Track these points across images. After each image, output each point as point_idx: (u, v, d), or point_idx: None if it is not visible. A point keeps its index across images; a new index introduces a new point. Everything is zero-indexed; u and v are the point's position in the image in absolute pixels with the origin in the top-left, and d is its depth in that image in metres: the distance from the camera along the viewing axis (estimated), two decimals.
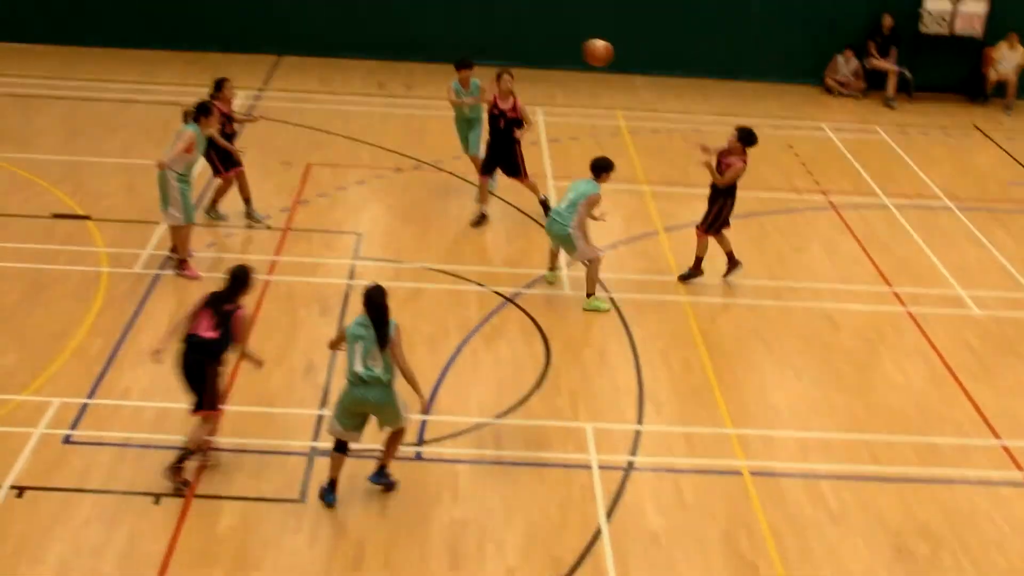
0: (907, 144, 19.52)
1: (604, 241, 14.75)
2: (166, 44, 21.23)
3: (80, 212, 14.47)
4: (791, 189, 17.17)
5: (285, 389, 11.19)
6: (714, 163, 13.64)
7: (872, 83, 21.99)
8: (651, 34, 21.71)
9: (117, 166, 15.92)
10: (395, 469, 10.02)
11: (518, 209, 15.46)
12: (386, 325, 9.34)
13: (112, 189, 15.12)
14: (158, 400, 10.84)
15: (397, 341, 9.39)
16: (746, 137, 13.55)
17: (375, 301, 9.34)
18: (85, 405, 10.69)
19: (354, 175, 16.29)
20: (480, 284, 13.44)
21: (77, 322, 12.03)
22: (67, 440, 10.21)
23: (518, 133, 14.70)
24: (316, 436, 10.50)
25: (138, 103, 18.51)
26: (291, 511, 9.53)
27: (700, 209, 13.90)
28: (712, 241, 13.78)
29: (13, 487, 9.53)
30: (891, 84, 21.71)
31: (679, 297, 13.56)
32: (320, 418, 10.74)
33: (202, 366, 9.65)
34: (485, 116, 15.15)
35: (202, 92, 16.69)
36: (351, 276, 13.44)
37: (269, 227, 14.48)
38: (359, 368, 9.32)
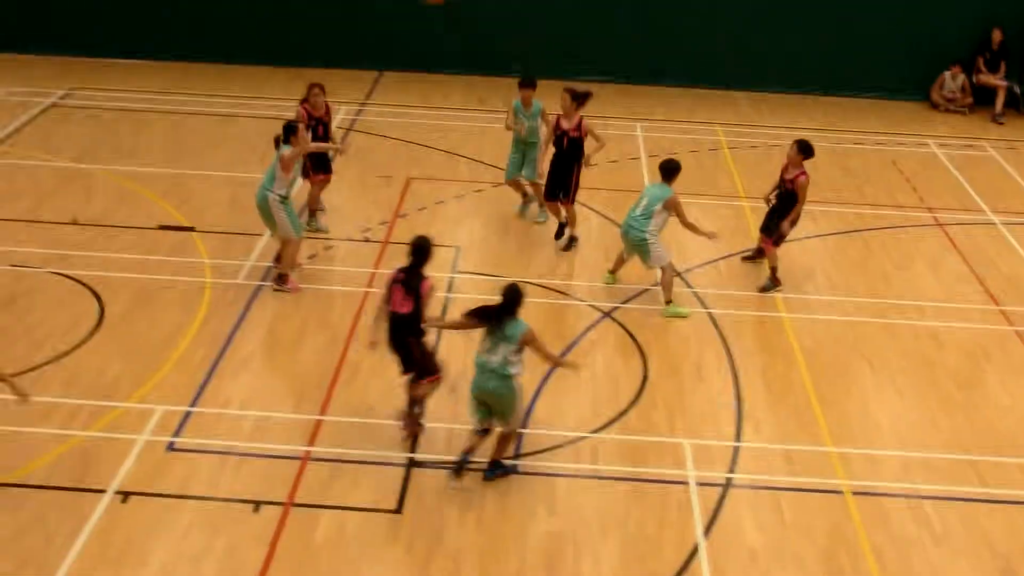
0: (1016, 160, 19.06)
1: (704, 258, 14.66)
2: (270, 60, 21.59)
3: (185, 224, 14.76)
4: (895, 206, 16.86)
5: (384, 400, 11.26)
6: (775, 183, 13.96)
7: (980, 99, 21.51)
8: (753, 50, 21.54)
9: (221, 179, 16.21)
10: (489, 482, 10.04)
11: (617, 224, 15.38)
12: (506, 322, 9.73)
13: (216, 201, 15.41)
14: (258, 409, 11.00)
15: (531, 340, 9.79)
16: (806, 149, 13.63)
17: (506, 297, 9.80)
18: (188, 413, 10.88)
19: (453, 189, 16.38)
20: (578, 299, 13.42)
21: (181, 331, 12.26)
22: (170, 447, 10.40)
23: (587, 156, 14.33)
24: (414, 448, 10.55)
25: (242, 117, 18.85)
26: (388, 522, 9.58)
27: (801, 226, 13.72)
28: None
29: (118, 492, 9.73)
30: (1000, 100, 21.21)
31: (779, 314, 13.39)
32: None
33: (405, 341, 10.28)
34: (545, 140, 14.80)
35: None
36: (449, 289, 13.50)
37: (368, 239, 14.62)
38: (480, 357, 9.85)
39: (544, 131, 14.86)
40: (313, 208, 14.72)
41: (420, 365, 10.47)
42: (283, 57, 21.61)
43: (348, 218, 15.28)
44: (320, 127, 14.28)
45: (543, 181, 14.87)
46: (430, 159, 17.53)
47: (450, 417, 11.00)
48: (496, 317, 9.79)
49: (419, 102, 20.21)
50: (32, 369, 11.37)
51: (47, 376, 11.29)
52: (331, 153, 14.62)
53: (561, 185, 14.48)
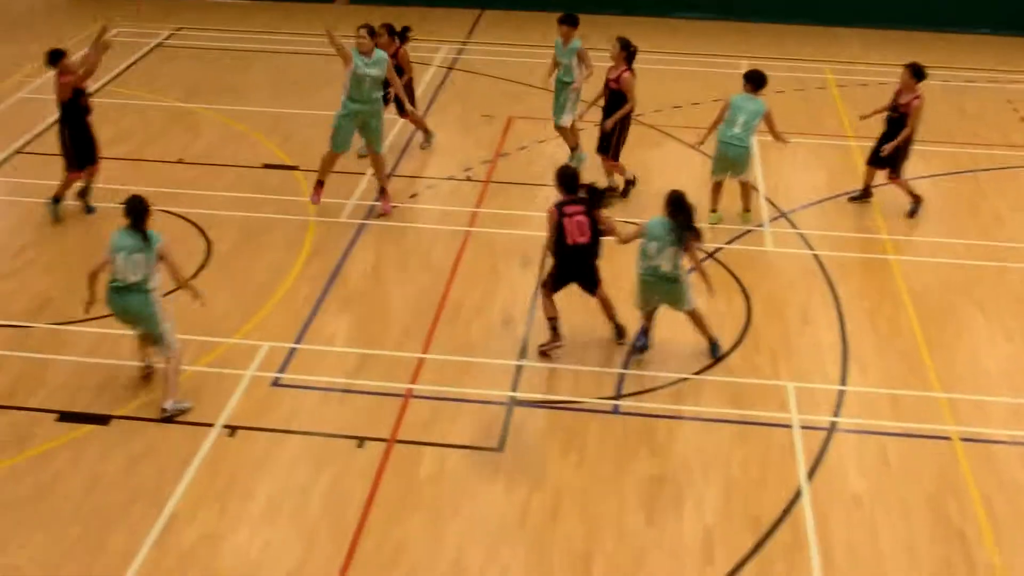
0: None
1: (811, 197, 14.40)
2: None
3: (289, 163, 14.89)
4: (1008, 146, 16.34)
5: (484, 339, 11.30)
6: (880, 107, 14.07)
7: None
8: None
9: (325, 118, 16.21)
10: (591, 422, 10.05)
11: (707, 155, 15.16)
12: (689, 227, 10.46)
13: (319, 140, 15.40)
14: (361, 346, 11.11)
15: (690, 244, 10.58)
16: (918, 72, 13.56)
17: (682, 204, 10.52)
18: (293, 349, 11.03)
19: (555, 134, 16.24)
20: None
21: (286, 269, 12.41)
22: (276, 383, 10.56)
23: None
24: (514, 387, 10.57)
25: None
26: (489, 459, 9.63)
27: (912, 166, 13.37)
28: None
29: (226, 426, 9.92)
30: None
31: (887, 256, 13.10)
32: (519, 368, 10.81)
33: (591, 265, 10.92)
34: (583, 84, 14.57)
35: (408, 44, 16.88)
36: None
37: (470, 179, 14.61)
38: (653, 263, 10.61)
39: (579, 72, 14.44)
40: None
41: (598, 279, 11.02)
42: None
43: (450, 157, 15.28)
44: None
45: (567, 124, 14.61)
46: (530, 98, 17.40)
47: (550, 357, 10.98)
48: (678, 226, 10.45)
49: (519, 40, 20.06)
50: None
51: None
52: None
53: (604, 138, 13.97)
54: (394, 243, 13.07)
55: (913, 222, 13.82)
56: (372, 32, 13.20)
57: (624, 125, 13.83)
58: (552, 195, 13.96)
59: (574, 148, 14.86)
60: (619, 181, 14.19)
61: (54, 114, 15.38)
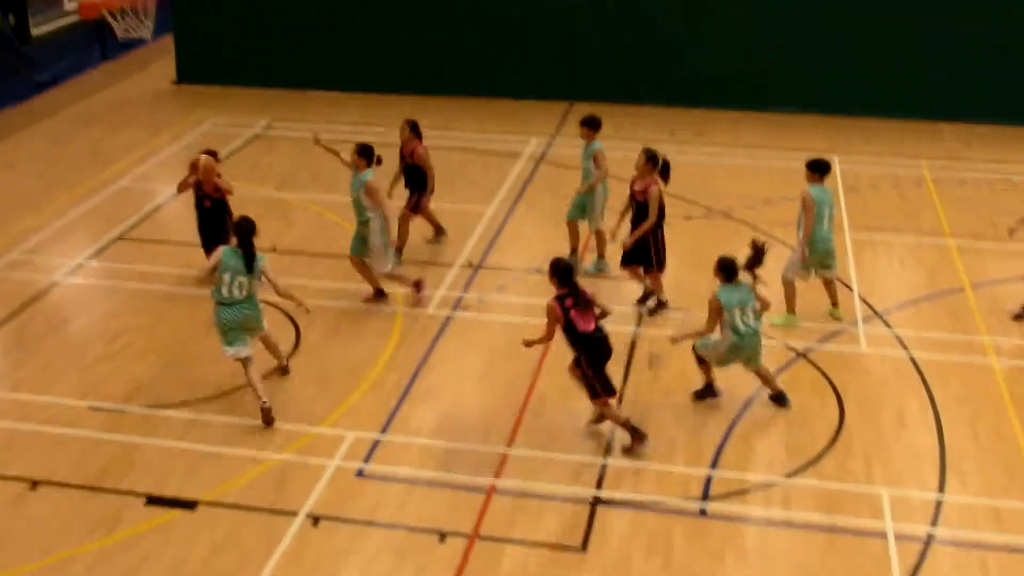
0: None
1: (907, 296, 14.11)
2: (464, 92, 21.89)
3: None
4: None
5: (569, 434, 11.16)
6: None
7: None
8: (960, 78, 20.69)
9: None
10: (677, 523, 9.85)
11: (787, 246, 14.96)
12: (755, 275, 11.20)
13: (412, 230, 15.60)
14: (446, 439, 11.05)
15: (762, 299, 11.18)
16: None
17: (732, 266, 11.23)
18: (377, 440, 11.00)
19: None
20: (770, 337, 13.05)
21: (373, 359, 12.45)
22: (360, 473, 10.52)
23: (642, 229, 13.19)
24: (599, 484, 10.40)
25: (437, 148, 19.06)
26: (572, 560, 9.45)
27: (1015, 265, 13.05)
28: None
29: (309, 516, 9.89)
30: None
31: (988, 359, 12.74)
32: (604, 467, 10.65)
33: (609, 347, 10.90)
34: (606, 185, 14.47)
35: (496, 138, 17.08)
36: (638, 324, 13.34)
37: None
38: (740, 325, 11.08)
39: (595, 175, 14.23)
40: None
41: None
42: (476, 89, 21.88)
43: (538, 249, 15.28)
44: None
45: (600, 230, 14.54)
46: (622, 191, 17.36)
47: (636, 455, 10.81)
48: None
49: (609, 133, 20.07)
50: (232, 392, 11.70)
51: (246, 399, 11.59)
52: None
53: (635, 250, 13.43)
54: (481, 335, 13.06)
55: (1015, 324, 13.45)
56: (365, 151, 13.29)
57: (656, 236, 13.45)
58: (642, 291, 13.98)
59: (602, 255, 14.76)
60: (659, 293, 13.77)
61: (154, 201, 15.80)
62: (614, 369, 12.25)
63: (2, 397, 11.68)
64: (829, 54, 20.93)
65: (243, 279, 11.04)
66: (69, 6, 17.86)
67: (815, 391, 12.03)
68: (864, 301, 14.01)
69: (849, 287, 14.28)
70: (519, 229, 15.92)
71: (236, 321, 11.12)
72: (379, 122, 20.35)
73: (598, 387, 10.76)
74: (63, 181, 17.50)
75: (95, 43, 23.79)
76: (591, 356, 10.70)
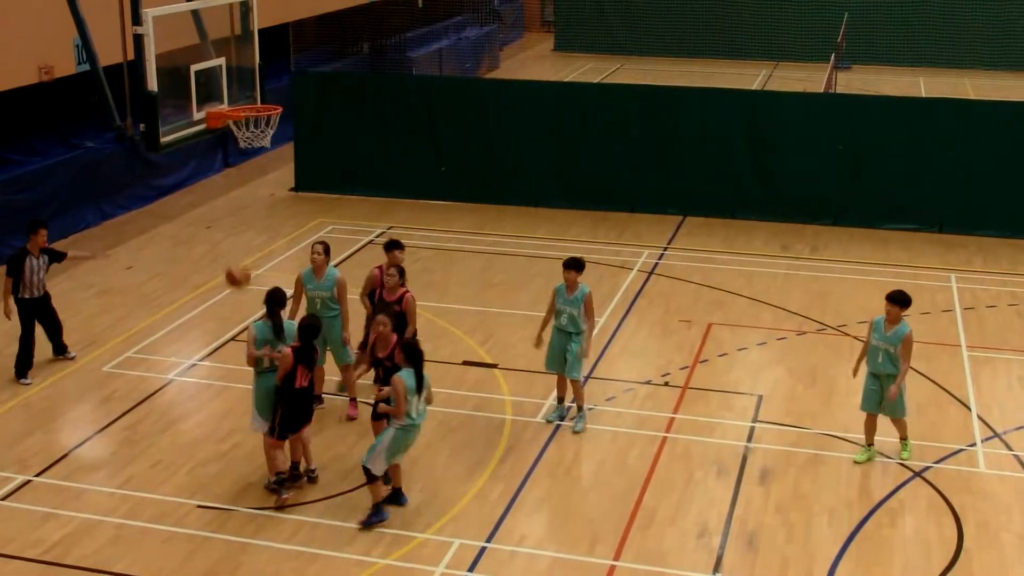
0: None
1: (1021, 419, 13.70)
2: (578, 204, 22.08)
3: (489, 360, 15.07)
4: None
5: (677, 550, 10.97)
6: None
7: None
8: None
9: (525, 318, 16.51)
10: None
11: (931, 380, 14.66)
12: None
13: (520, 339, 15.68)
14: (552, 550, 10.93)
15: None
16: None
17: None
18: (483, 548, 10.92)
19: (755, 336, 16.07)
20: (886, 456, 12.75)
21: (481, 466, 12.42)
22: None
23: None
24: None
25: (548, 258, 19.26)
26: None
27: None
28: None
29: None
30: None
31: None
32: None
33: None
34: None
35: (608, 248, 17.06)
36: (749, 439, 13.14)
37: (668, 384, 14.48)
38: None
39: (588, 323, 13.10)
40: None
41: None
42: (588, 201, 22.07)
43: (649, 361, 15.22)
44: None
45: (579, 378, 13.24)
46: (732, 304, 17.31)
47: (747, 573, 10.57)
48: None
49: (722, 247, 20.11)
50: (338, 495, 11.76)
51: (351, 503, 11.63)
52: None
53: None
54: (590, 445, 12.97)
55: None
56: (327, 250, 13.30)
57: None
58: (753, 405, 13.80)
59: (580, 408, 13.39)
60: None
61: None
62: (727, 483, 12.09)
63: (112, 492, 11.87)
64: (946, 173, 20.69)
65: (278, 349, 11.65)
66: (197, 116, 18.50)
67: (932, 512, 11.68)
68: (983, 421, 13.63)
69: (968, 407, 13.92)
70: (630, 341, 15.87)
71: (272, 390, 11.61)
72: (494, 232, 20.64)
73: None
74: (182, 283, 17.98)
75: (218, 150, 24.64)
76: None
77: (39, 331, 14.59)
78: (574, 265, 13.06)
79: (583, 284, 13.10)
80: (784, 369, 15.13)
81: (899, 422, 12.61)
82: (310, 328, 11.54)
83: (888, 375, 12.25)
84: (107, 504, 11.65)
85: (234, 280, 12.80)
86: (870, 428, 12.62)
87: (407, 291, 13.01)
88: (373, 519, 11.17)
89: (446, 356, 15.13)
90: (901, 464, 12.52)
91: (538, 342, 13.38)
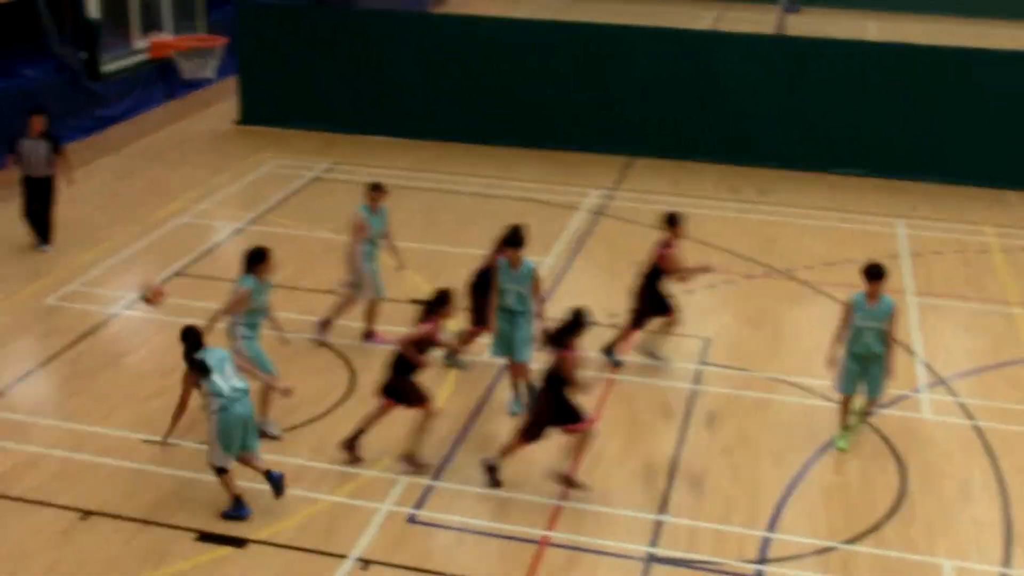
0: None
1: (970, 364, 13.85)
2: (525, 142, 21.92)
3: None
4: None
5: (623, 490, 10.99)
6: None
7: None
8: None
9: (472, 257, 16.36)
10: None
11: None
12: None
13: (466, 279, 15.53)
14: (500, 489, 10.89)
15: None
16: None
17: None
18: (431, 486, 10.88)
19: (703, 279, 16.01)
20: (832, 400, 12.83)
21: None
22: (411, 519, 10.40)
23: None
24: (654, 542, 10.21)
25: (495, 197, 19.11)
26: None
27: None
28: None
29: (360, 559, 9.78)
30: None
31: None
32: (658, 524, 10.46)
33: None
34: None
35: (556, 189, 16.94)
36: (696, 381, 13.17)
37: (615, 326, 14.44)
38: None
39: (537, 301, 12.19)
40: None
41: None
42: (536, 139, 21.91)
43: (596, 302, 15.13)
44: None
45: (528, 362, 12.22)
46: (681, 246, 17.24)
47: (692, 513, 10.63)
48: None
49: (670, 189, 20.06)
50: (289, 429, 11.65)
51: (298, 439, 11.52)
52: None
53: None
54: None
55: None
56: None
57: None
58: (699, 348, 13.84)
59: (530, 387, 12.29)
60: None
61: (213, 239, 15.83)
62: (670, 428, 12.13)
63: (56, 426, 11.70)
64: (894, 119, 20.76)
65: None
66: (139, 45, 18.06)
67: (877, 457, 11.79)
68: (928, 367, 13.77)
69: (913, 353, 14.05)
70: (577, 282, 15.81)
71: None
72: (440, 170, 20.43)
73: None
74: (124, 216, 17.64)
75: (161, 81, 24.12)
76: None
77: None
78: (511, 242, 11.96)
79: (528, 259, 12.18)
80: (731, 313, 15.17)
81: (875, 402, 12.06)
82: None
83: (876, 355, 11.58)
84: (51, 437, 11.48)
85: (148, 300, 12.14)
86: (846, 409, 11.94)
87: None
88: (233, 513, 10.32)
89: (394, 295, 14.96)
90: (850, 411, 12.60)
91: (491, 327, 12.33)
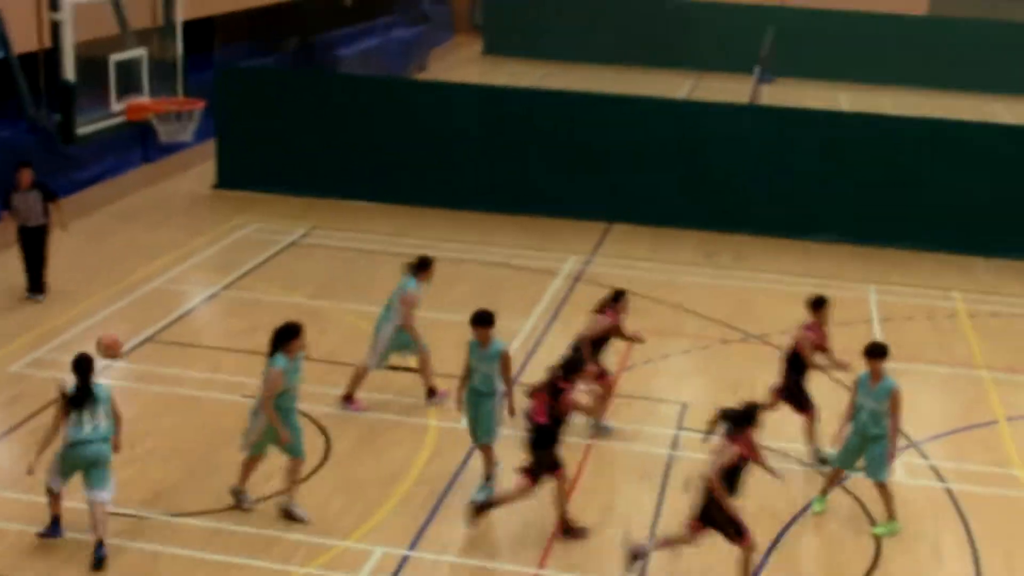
0: None
1: (941, 428, 13.91)
2: (504, 208, 22.01)
3: (413, 365, 14.91)
4: None
5: (600, 557, 10.93)
6: None
7: None
8: (995, 215, 20.69)
9: (449, 323, 16.39)
10: None
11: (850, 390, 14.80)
12: None
13: (445, 343, 15.54)
14: (476, 558, 10.84)
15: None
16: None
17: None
18: (406, 557, 10.79)
19: (679, 344, 16.13)
20: (807, 463, 12.84)
21: (405, 472, 12.28)
22: None
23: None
24: None
25: (472, 263, 19.16)
26: None
27: None
28: None
29: None
30: None
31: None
32: None
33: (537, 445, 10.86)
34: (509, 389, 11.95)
35: (534, 254, 17.08)
36: (674, 446, 13.17)
37: (592, 391, 14.43)
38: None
39: (505, 382, 11.77)
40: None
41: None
42: (515, 205, 22.01)
43: None
44: None
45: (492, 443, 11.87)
46: (657, 312, 17.35)
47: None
48: None
49: (647, 255, 20.17)
50: (257, 501, 11.53)
51: (271, 509, 11.42)
52: None
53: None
54: (515, 452, 12.84)
55: None
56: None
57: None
58: (676, 413, 13.83)
59: (490, 476, 11.96)
60: None
61: (186, 304, 15.79)
62: (650, 491, 12.09)
63: (18, 499, 11.47)
64: (867, 187, 20.98)
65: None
66: (116, 108, 18.10)
67: (852, 520, 11.80)
68: (900, 431, 13.78)
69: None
70: (555, 347, 15.81)
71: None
72: (418, 235, 20.49)
73: None
74: (98, 278, 17.57)
75: (138, 144, 24.14)
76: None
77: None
78: (480, 320, 11.73)
79: (498, 339, 11.93)
80: (708, 377, 15.21)
81: (882, 489, 11.56)
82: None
83: (872, 436, 11.39)
84: (13, 510, 11.26)
85: (107, 355, 12.15)
86: (833, 479, 11.91)
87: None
88: (46, 532, 10.62)
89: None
90: (822, 473, 12.60)
91: (458, 405, 12.03)
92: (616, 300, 13.33)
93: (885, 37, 39.27)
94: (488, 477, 11.83)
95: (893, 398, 11.35)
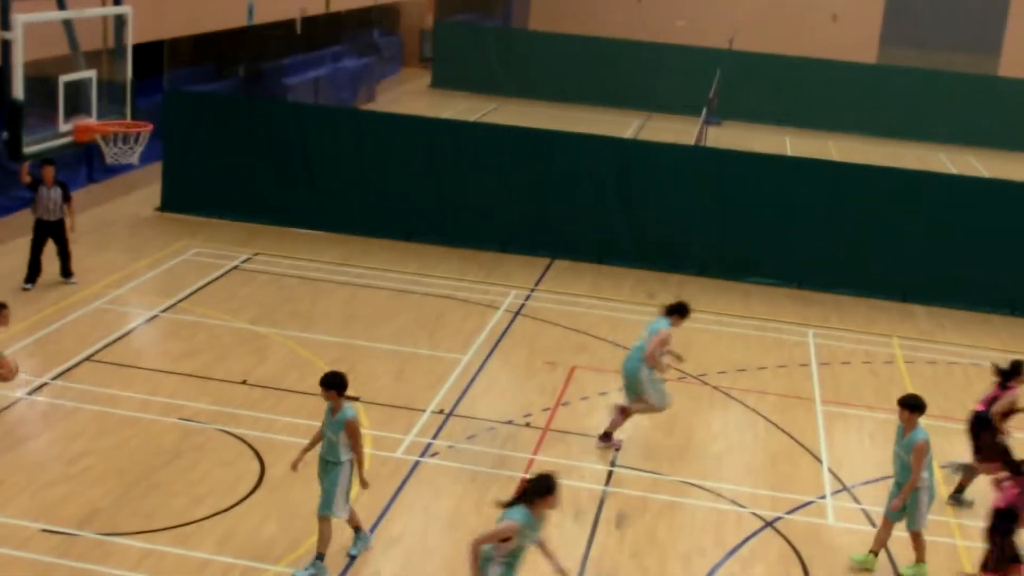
0: None
1: (874, 473, 14.09)
2: (448, 240, 22.08)
3: (351, 394, 14.88)
4: None
5: None
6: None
7: None
8: (932, 262, 21.05)
9: (389, 352, 16.43)
10: None
11: (785, 432, 14.99)
12: None
13: (382, 374, 15.58)
14: None
15: None
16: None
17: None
18: None
19: (617, 381, 16.13)
20: (740, 505, 12.97)
21: None
22: None
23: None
24: None
25: (414, 294, 19.19)
26: None
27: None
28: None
29: None
30: None
31: (953, 540, 12.67)
32: None
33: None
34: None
35: (476, 287, 17.12)
36: (607, 483, 13.23)
37: (529, 424, 14.51)
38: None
39: (355, 450, 10.85)
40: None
41: None
42: (459, 238, 22.09)
43: (511, 401, 15.24)
44: None
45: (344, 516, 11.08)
46: (597, 349, 17.46)
47: None
48: None
49: (589, 291, 20.30)
50: (189, 523, 11.46)
51: (203, 532, 11.35)
52: None
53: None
54: (449, 483, 12.90)
55: (979, 506, 13.41)
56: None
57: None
58: (610, 452, 13.91)
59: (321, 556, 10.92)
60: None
61: (126, 325, 15.65)
62: (580, 528, 12.14)
63: None
64: (809, 232, 21.25)
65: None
66: (63, 127, 18.01)
67: (782, 562, 11.90)
68: (833, 474, 13.98)
69: (820, 460, 14.26)
70: (493, 380, 15.89)
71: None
72: (362, 264, 20.49)
73: None
74: (39, 298, 17.41)
75: (84, 164, 23.97)
76: None
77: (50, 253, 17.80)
78: (327, 383, 10.73)
79: (348, 406, 10.85)
80: (645, 416, 15.28)
81: (915, 537, 11.79)
82: None
83: (901, 484, 11.63)
84: None
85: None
86: (882, 537, 11.95)
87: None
88: None
89: (307, 387, 14.90)
90: (754, 514, 12.74)
91: (293, 465, 11.17)
92: (1013, 376, 13.35)
93: (834, 83, 39.84)
94: (319, 556, 10.83)
95: (916, 451, 11.44)
